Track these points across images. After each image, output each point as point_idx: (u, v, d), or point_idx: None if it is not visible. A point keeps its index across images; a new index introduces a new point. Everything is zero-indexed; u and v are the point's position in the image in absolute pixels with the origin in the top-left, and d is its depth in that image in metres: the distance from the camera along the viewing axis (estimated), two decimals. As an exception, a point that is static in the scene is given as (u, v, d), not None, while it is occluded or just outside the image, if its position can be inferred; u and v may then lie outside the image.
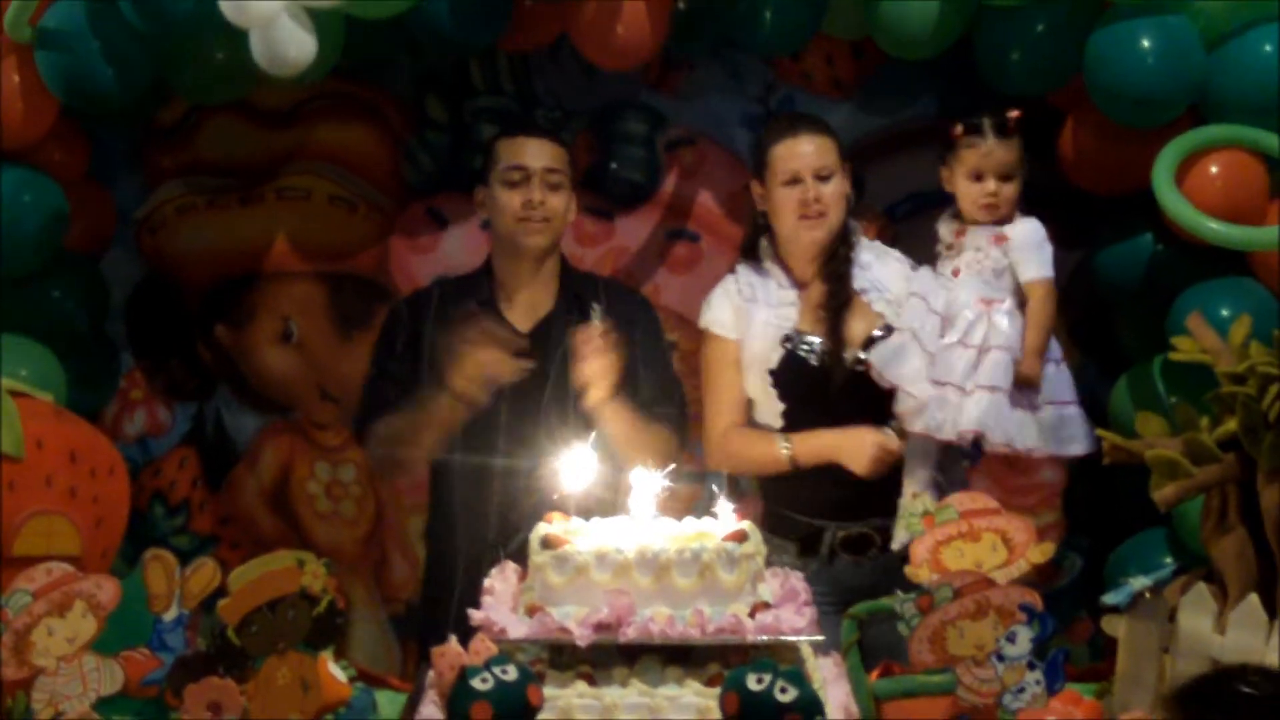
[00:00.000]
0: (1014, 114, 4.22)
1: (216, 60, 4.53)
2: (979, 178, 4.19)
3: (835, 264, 4.28)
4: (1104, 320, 4.87)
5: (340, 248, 5.19)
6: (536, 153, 4.28)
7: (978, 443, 4.12)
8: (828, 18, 4.69)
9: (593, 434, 3.99)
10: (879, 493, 4.19)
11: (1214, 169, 4.34)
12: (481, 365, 4.10)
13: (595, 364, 4.11)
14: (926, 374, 4.12)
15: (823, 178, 4.21)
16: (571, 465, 3.58)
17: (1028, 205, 5.02)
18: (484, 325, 4.15)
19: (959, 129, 4.22)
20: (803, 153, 4.21)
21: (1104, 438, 3.59)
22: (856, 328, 4.24)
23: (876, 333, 4.22)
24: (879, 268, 4.30)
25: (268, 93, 4.90)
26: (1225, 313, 4.19)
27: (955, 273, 4.22)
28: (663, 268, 5.16)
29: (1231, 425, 3.37)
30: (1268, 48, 4.34)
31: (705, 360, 4.35)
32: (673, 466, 3.57)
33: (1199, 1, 4.36)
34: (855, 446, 4.13)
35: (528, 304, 4.32)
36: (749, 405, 4.32)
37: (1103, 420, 4.48)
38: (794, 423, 4.25)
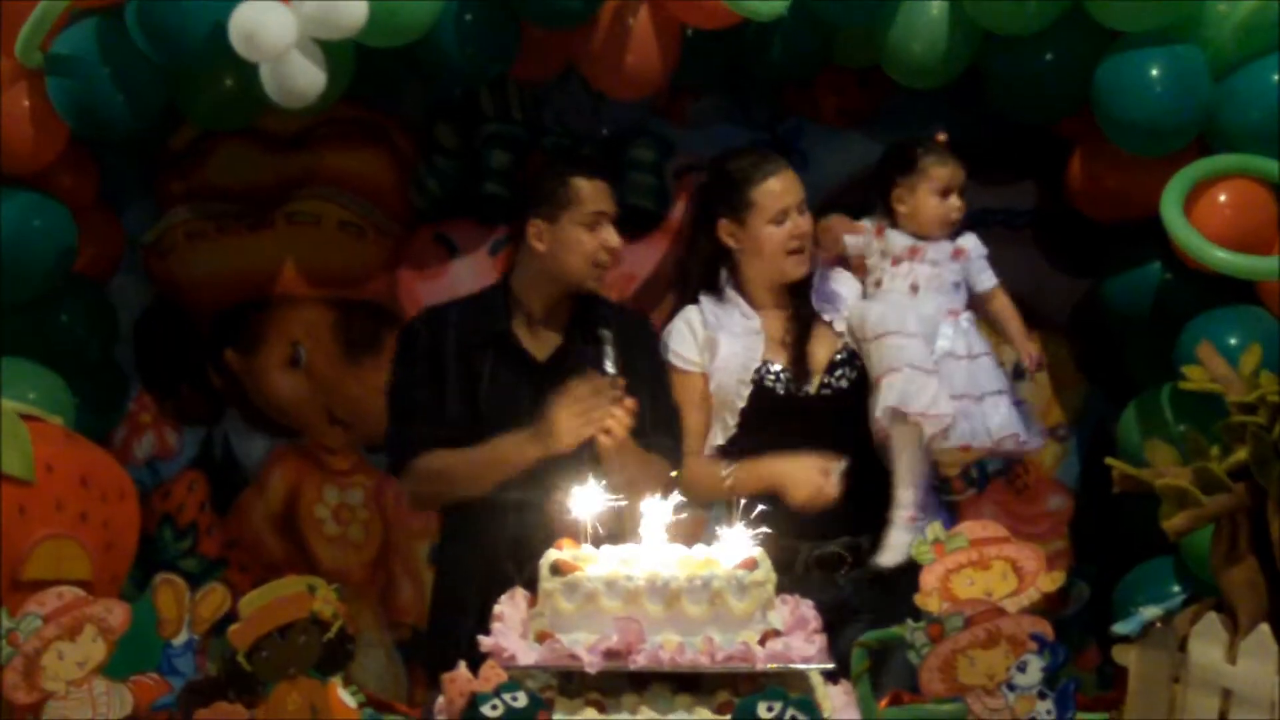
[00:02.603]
0: (942, 136, 4.41)
1: (226, 87, 4.54)
2: (946, 194, 4.33)
3: (797, 290, 4.39)
4: (1112, 348, 4.88)
5: (349, 273, 5.18)
6: (610, 197, 4.34)
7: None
8: (837, 46, 4.71)
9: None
10: (848, 513, 4.25)
11: (1222, 198, 4.35)
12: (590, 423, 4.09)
13: (616, 416, 4.09)
14: (944, 392, 4.17)
15: (801, 211, 4.33)
16: (585, 495, 3.57)
17: (1035, 232, 5.10)
18: (589, 380, 4.14)
19: (920, 150, 4.36)
20: (789, 189, 4.33)
21: (1114, 467, 3.59)
22: (819, 353, 4.34)
23: (838, 356, 4.31)
24: (832, 285, 4.42)
25: (278, 118, 4.90)
26: (1233, 341, 4.21)
27: (914, 287, 4.30)
28: (671, 295, 5.14)
29: (1242, 455, 3.36)
30: (1276, 77, 4.34)
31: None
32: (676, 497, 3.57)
33: (1207, 31, 4.37)
34: (798, 477, 4.16)
35: (544, 333, 4.33)
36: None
37: (1110, 448, 4.49)
38: (741, 446, 4.30)
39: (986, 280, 4.37)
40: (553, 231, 4.27)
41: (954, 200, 4.35)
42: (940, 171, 4.34)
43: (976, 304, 4.39)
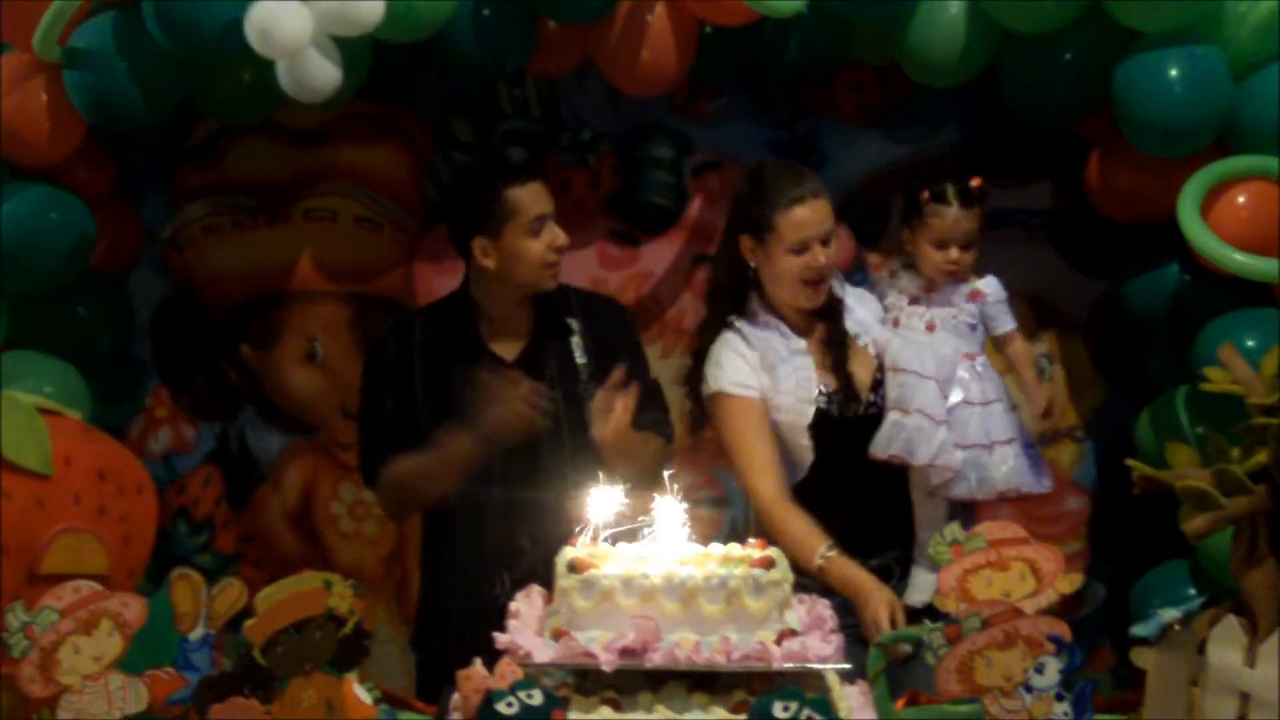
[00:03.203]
0: (976, 183, 4.28)
1: (243, 80, 4.53)
2: (943, 245, 4.25)
3: (828, 312, 4.29)
4: (1129, 350, 4.87)
5: (365, 268, 5.20)
6: (547, 196, 4.28)
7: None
8: (854, 44, 4.71)
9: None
10: (895, 527, 4.23)
11: (1240, 200, 4.32)
12: (517, 417, 4.10)
13: (622, 409, 4.11)
14: (951, 442, 4.14)
15: (825, 242, 4.19)
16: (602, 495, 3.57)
17: (1052, 232, 5.09)
18: (510, 377, 4.16)
19: (926, 196, 4.27)
20: (812, 221, 4.16)
21: (1134, 468, 3.58)
22: (860, 373, 4.26)
23: (877, 375, 4.25)
24: (860, 310, 4.35)
25: (295, 113, 4.90)
26: (1251, 343, 4.18)
27: (930, 326, 4.27)
28: (687, 292, 5.15)
29: (1262, 457, 3.35)
30: (1296, 78, 4.34)
31: (728, 423, 4.22)
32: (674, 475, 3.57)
33: (1226, 31, 4.36)
34: (873, 602, 3.95)
35: (510, 334, 4.31)
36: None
37: (1129, 450, 4.48)
38: (822, 476, 4.22)
39: (1006, 324, 4.30)
40: (497, 247, 4.22)
41: (952, 252, 4.24)
42: (937, 222, 4.24)
43: (995, 345, 4.34)
